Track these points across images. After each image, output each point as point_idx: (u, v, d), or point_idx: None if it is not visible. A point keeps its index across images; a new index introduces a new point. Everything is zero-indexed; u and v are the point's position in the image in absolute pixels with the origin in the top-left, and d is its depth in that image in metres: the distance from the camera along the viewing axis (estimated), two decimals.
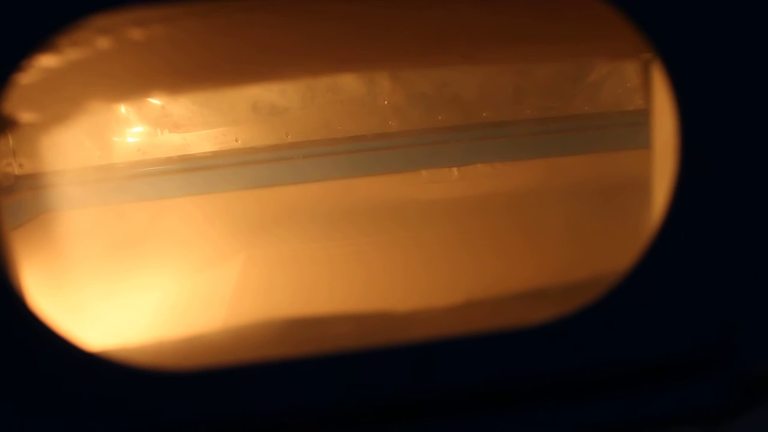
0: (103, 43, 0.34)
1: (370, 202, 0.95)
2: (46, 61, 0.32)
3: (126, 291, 0.76)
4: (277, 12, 0.38)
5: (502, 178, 0.95)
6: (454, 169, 0.95)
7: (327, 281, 0.80)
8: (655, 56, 0.32)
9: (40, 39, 0.29)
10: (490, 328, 0.33)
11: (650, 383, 0.34)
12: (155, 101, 0.93)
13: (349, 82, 0.94)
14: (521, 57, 0.43)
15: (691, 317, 0.33)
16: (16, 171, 0.87)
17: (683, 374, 0.34)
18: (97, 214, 0.89)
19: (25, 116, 0.37)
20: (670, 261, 0.33)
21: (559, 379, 0.34)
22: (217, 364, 0.32)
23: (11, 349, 0.31)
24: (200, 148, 0.94)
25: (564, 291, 0.37)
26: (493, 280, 0.70)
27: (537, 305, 0.37)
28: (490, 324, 0.33)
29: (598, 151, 0.91)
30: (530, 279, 0.55)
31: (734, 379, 0.34)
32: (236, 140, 0.94)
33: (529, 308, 0.37)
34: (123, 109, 0.91)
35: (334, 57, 0.39)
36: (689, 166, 0.32)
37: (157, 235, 0.89)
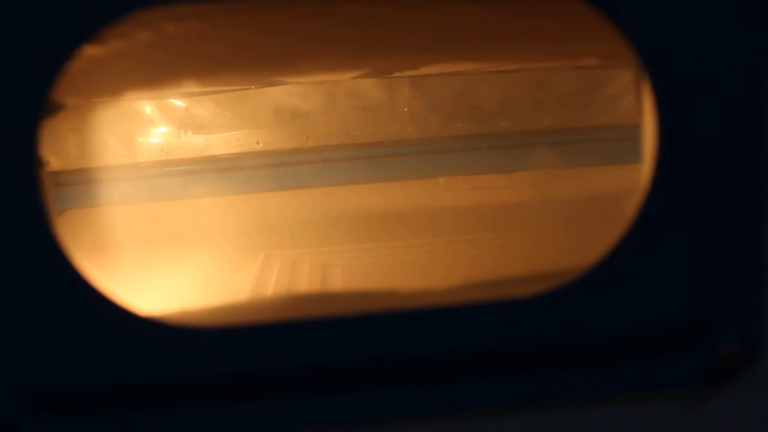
0: (143, 35, 0.35)
1: (387, 208, 0.96)
2: (92, 50, 0.34)
3: (154, 278, 0.78)
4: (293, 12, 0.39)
5: (517, 187, 0.96)
6: (470, 177, 0.97)
7: (341, 281, 0.82)
8: (642, 67, 0.33)
9: (89, 30, 0.31)
10: (476, 300, 0.34)
11: (627, 358, 0.35)
12: (179, 102, 0.95)
13: (369, 89, 0.96)
14: (527, 58, 0.45)
15: (666, 297, 0.35)
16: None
17: (658, 351, 0.36)
18: (119, 213, 0.91)
19: (71, 102, 0.39)
20: (647, 244, 0.34)
21: (538, 351, 0.35)
22: (240, 322, 0.34)
23: (71, 314, 0.33)
24: (222, 150, 0.96)
25: (557, 274, 0.38)
26: (492, 266, 0.71)
27: (530, 287, 0.38)
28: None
29: (615, 162, 0.92)
30: (527, 265, 0.56)
31: (707, 357, 0.36)
32: (258, 143, 0.96)
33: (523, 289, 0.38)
34: (148, 109, 0.93)
35: (350, 56, 0.41)
36: (669, 154, 0.34)
37: (178, 235, 0.90)
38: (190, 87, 0.37)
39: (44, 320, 0.33)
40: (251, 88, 0.94)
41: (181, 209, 0.93)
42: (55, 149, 0.88)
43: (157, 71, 0.38)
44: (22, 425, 0.35)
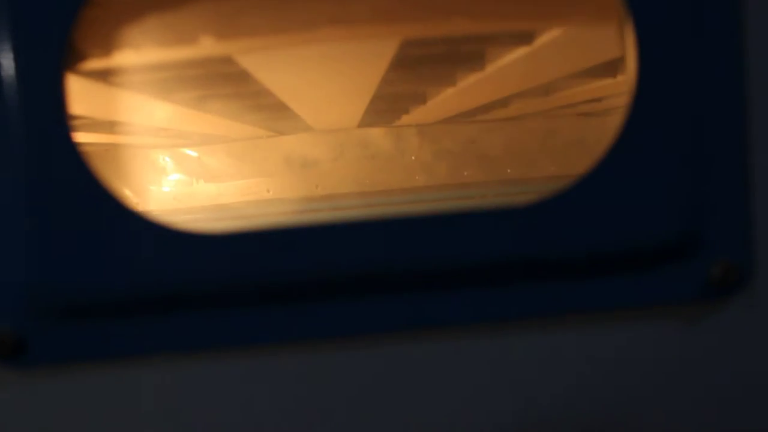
0: None
1: None
2: None
3: None
4: None
5: None
6: None
7: None
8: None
9: None
10: (463, 210, 0.34)
11: (618, 273, 0.35)
12: (191, 153, 0.97)
13: (378, 138, 0.98)
14: (514, 16, 0.46)
15: (655, 210, 0.34)
16: None
17: (649, 266, 0.35)
18: None
19: (91, 52, 0.40)
20: (634, 156, 0.34)
21: (525, 265, 0.35)
22: (242, 229, 0.34)
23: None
24: (233, 198, 0.97)
25: None
26: None
27: None
28: None
29: None
30: None
31: (700, 272, 0.35)
32: (268, 191, 0.97)
33: None
34: (161, 158, 0.95)
35: (341, 21, 0.42)
36: (655, 62, 0.34)
37: None
38: (208, 47, 0.38)
39: (54, 228, 0.34)
40: (262, 138, 0.96)
41: None
42: None
43: (177, 25, 0.39)
44: (34, 337, 0.35)
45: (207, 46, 0.43)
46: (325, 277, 0.35)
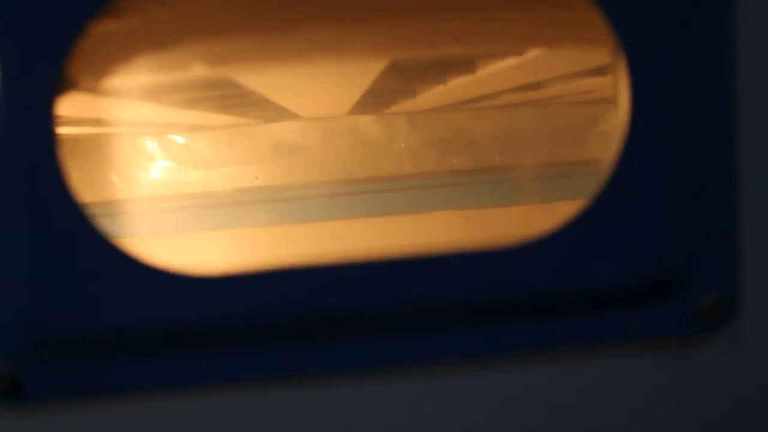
0: (158, 11, 0.36)
1: (385, 242, 0.96)
2: (105, 25, 0.35)
3: None
4: None
5: (513, 221, 0.97)
6: (467, 211, 0.97)
7: None
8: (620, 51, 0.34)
9: (101, 4, 0.32)
10: (457, 251, 0.35)
11: (607, 310, 0.36)
12: (179, 139, 0.96)
13: (366, 125, 0.97)
14: (504, 40, 0.46)
15: (644, 248, 0.35)
16: None
17: (638, 302, 0.36)
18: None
19: (84, 81, 0.40)
20: (624, 194, 0.35)
21: (515, 303, 0.35)
22: (233, 272, 0.35)
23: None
24: (221, 185, 0.97)
25: None
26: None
27: None
28: None
29: None
30: None
31: (688, 308, 0.36)
32: (256, 178, 0.97)
33: None
34: (149, 145, 0.95)
35: (334, 48, 0.42)
36: (643, 100, 0.34)
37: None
38: (200, 69, 0.38)
39: (51, 268, 0.34)
40: (250, 124, 0.96)
41: (180, 243, 0.94)
42: None
43: (169, 50, 0.39)
44: (30, 375, 0.35)
45: (199, 71, 0.43)
46: (316, 317, 0.36)
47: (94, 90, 0.42)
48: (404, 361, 0.36)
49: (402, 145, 0.98)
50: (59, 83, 0.33)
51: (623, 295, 0.36)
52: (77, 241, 0.34)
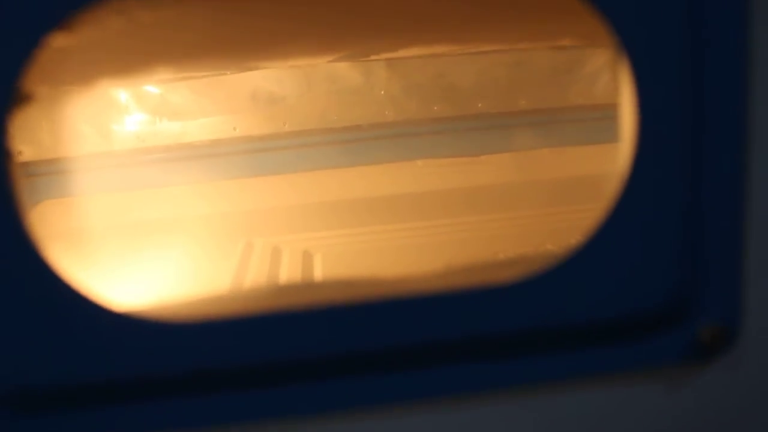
0: (115, 23, 0.35)
1: (366, 192, 0.96)
2: (62, 39, 0.33)
3: (131, 270, 0.77)
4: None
5: (494, 169, 0.96)
6: (448, 160, 0.96)
7: (321, 263, 0.82)
8: (620, 46, 0.33)
9: (59, 18, 0.30)
10: (459, 287, 0.34)
11: (609, 340, 0.36)
12: (154, 90, 0.93)
13: (345, 72, 0.95)
14: (504, 39, 0.45)
15: (646, 277, 0.35)
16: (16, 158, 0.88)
17: (640, 332, 0.36)
18: (95, 203, 0.90)
19: (41, 92, 0.38)
20: (626, 224, 0.34)
21: (519, 334, 0.35)
22: (221, 316, 0.34)
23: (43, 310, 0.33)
24: (199, 137, 0.95)
25: (538, 259, 0.38)
26: (475, 250, 0.72)
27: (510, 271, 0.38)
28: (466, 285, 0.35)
29: (593, 142, 0.92)
30: (511, 248, 0.56)
31: (689, 337, 0.36)
32: (234, 129, 0.95)
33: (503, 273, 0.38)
34: (122, 97, 0.92)
35: (327, 39, 0.41)
36: (647, 135, 0.34)
37: (156, 224, 0.90)
38: (165, 74, 0.37)
39: (15, 320, 0.33)
40: (227, 74, 0.93)
41: (159, 198, 0.92)
42: (28, 139, 0.87)
43: (131, 59, 0.38)
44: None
45: (164, 77, 0.41)
46: (296, 359, 0.35)
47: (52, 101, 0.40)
48: (400, 398, 0.36)
49: (382, 92, 0.96)
50: (13, 96, 0.31)
51: (626, 326, 0.36)
52: (33, 287, 0.33)
